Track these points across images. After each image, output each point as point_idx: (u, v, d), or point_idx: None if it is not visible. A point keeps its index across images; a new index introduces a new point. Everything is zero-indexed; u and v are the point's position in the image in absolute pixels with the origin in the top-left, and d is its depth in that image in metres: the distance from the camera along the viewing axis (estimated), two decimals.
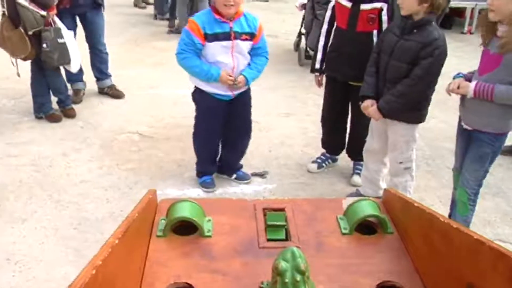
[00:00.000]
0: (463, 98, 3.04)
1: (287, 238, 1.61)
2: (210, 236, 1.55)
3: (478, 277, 1.13)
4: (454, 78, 3.08)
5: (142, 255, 1.43)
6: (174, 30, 7.90)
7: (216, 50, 3.41)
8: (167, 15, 8.37)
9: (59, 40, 4.42)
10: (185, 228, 1.58)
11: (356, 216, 1.58)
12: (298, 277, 1.19)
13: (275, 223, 1.57)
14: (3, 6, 4.35)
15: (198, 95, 3.66)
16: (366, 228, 1.62)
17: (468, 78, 3.03)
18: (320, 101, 4.19)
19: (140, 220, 1.40)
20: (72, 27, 4.90)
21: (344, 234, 1.58)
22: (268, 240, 1.55)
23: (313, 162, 4.27)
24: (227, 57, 3.44)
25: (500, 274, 1.06)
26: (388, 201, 1.67)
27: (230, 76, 3.48)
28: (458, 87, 2.98)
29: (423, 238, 1.40)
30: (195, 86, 3.65)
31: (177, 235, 1.58)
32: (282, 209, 1.66)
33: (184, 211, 1.55)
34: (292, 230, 1.58)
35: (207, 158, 3.93)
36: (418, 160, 4.37)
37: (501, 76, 2.82)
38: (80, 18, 5.02)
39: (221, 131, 3.80)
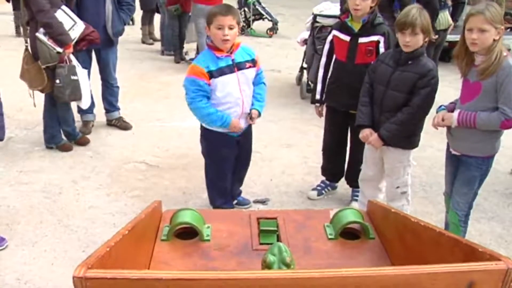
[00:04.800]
0: (449, 126, 3.17)
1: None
2: (209, 240, 1.71)
3: (439, 262, 1.28)
4: (437, 112, 3.23)
5: (147, 256, 1.58)
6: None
7: (223, 86, 3.44)
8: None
9: (72, 77, 4.56)
10: (187, 234, 1.74)
11: (340, 222, 1.73)
12: (284, 269, 1.33)
13: (267, 228, 1.73)
14: (26, 42, 4.58)
15: (209, 134, 3.64)
16: (351, 235, 1.77)
17: (451, 108, 3.17)
18: (321, 133, 4.32)
19: (147, 222, 1.56)
20: (88, 61, 5.14)
21: (330, 239, 1.72)
22: (261, 244, 1.70)
23: (313, 189, 4.37)
24: (235, 91, 3.50)
25: (456, 257, 1.20)
26: (372, 211, 1.83)
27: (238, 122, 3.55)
28: (443, 120, 3.14)
29: (399, 238, 1.55)
30: (203, 127, 3.65)
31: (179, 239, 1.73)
32: (275, 218, 1.82)
33: (186, 218, 1.71)
34: (283, 235, 1.73)
35: (222, 194, 3.84)
36: (416, 187, 4.50)
37: (482, 103, 2.96)
38: (95, 53, 5.26)
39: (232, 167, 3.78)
